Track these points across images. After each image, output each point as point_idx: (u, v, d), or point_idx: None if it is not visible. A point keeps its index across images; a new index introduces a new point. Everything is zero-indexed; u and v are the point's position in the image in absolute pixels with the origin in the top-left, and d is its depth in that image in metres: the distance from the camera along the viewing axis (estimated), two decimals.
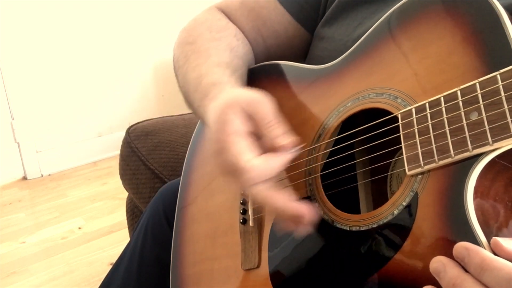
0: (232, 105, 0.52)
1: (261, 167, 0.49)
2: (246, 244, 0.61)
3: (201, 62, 0.67)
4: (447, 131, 0.43)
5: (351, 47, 0.59)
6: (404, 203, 0.45)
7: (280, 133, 0.50)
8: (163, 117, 1.28)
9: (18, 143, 2.39)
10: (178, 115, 1.27)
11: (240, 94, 0.55)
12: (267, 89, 0.68)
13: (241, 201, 0.64)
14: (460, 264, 0.38)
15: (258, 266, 0.59)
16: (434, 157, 0.43)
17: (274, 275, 0.56)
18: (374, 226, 0.47)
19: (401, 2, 0.54)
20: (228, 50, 0.70)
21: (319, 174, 0.56)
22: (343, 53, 0.59)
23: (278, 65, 0.69)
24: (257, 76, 0.72)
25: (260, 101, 0.52)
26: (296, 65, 0.67)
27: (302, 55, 0.78)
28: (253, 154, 0.49)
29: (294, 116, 0.61)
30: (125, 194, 1.23)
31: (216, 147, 0.51)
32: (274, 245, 0.58)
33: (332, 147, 0.56)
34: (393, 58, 0.53)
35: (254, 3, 0.76)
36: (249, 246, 0.61)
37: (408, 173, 0.45)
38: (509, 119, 0.39)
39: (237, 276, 0.61)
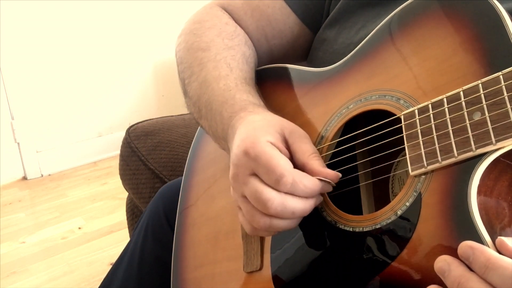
0: (277, 125, 0.55)
1: (303, 177, 0.50)
2: (248, 246, 0.61)
3: (224, 74, 0.67)
4: (450, 131, 0.43)
5: (353, 50, 0.59)
6: (408, 204, 0.45)
7: (323, 165, 0.53)
8: (163, 117, 1.28)
9: (18, 143, 2.39)
10: (178, 115, 1.27)
11: (284, 121, 0.57)
12: (270, 92, 0.68)
13: None
14: (464, 263, 0.38)
15: (260, 269, 0.58)
16: (437, 157, 0.43)
17: (277, 277, 0.56)
18: (378, 226, 0.47)
19: (403, 5, 0.54)
20: (245, 62, 0.70)
21: None
22: (345, 55, 0.59)
23: (280, 68, 0.69)
24: (259, 79, 0.71)
25: (303, 134, 0.55)
26: (298, 68, 0.66)
27: (304, 56, 0.78)
28: (291, 164, 0.51)
29: (296, 118, 0.61)
30: (125, 194, 1.22)
31: (247, 146, 0.52)
32: (276, 247, 0.58)
33: (335, 149, 0.56)
34: (395, 59, 0.53)
35: (259, 2, 0.75)
36: (251, 248, 0.60)
37: (411, 173, 0.45)
38: None
39: (239, 279, 0.61)
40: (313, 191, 0.50)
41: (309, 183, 0.50)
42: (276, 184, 0.49)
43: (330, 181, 0.51)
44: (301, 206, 0.50)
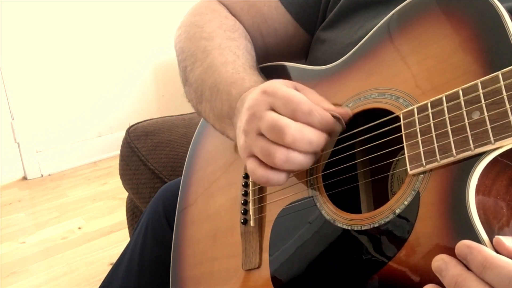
0: (289, 81, 0.58)
1: (319, 108, 0.52)
2: (246, 244, 0.61)
3: (231, 60, 0.67)
4: (449, 131, 0.43)
5: (352, 49, 0.59)
6: (406, 202, 0.45)
7: (332, 105, 0.55)
8: (163, 117, 1.28)
9: (18, 143, 2.39)
10: (178, 115, 1.27)
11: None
12: None
13: (242, 202, 0.64)
14: (462, 263, 0.38)
15: (259, 267, 0.59)
16: (436, 156, 0.43)
17: (275, 275, 0.56)
18: (376, 225, 0.47)
19: (402, 3, 0.54)
20: (248, 53, 0.71)
21: (321, 174, 0.56)
22: (344, 55, 0.59)
23: (279, 66, 0.70)
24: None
25: (312, 90, 0.58)
26: (297, 66, 0.67)
27: (300, 55, 0.79)
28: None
29: None
30: (125, 194, 1.23)
31: (264, 86, 0.55)
32: (275, 245, 0.58)
33: (334, 147, 0.56)
34: (395, 58, 0.53)
35: (255, 0, 0.76)
36: (250, 246, 0.61)
37: (410, 172, 0.45)
38: (511, 118, 0.39)
39: (238, 276, 0.61)
40: (328, 123, 0.52)
41: (325, 114, 0.52)
42: (293, 113, 0.51)
43: (340, 117, 0.53)
44: (317, 136, 0.52)
